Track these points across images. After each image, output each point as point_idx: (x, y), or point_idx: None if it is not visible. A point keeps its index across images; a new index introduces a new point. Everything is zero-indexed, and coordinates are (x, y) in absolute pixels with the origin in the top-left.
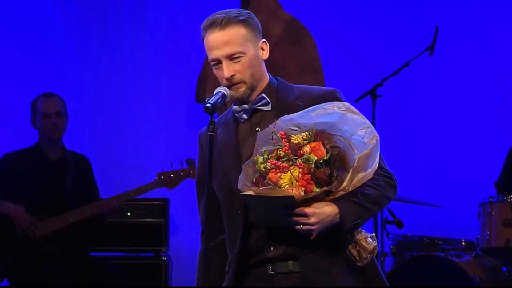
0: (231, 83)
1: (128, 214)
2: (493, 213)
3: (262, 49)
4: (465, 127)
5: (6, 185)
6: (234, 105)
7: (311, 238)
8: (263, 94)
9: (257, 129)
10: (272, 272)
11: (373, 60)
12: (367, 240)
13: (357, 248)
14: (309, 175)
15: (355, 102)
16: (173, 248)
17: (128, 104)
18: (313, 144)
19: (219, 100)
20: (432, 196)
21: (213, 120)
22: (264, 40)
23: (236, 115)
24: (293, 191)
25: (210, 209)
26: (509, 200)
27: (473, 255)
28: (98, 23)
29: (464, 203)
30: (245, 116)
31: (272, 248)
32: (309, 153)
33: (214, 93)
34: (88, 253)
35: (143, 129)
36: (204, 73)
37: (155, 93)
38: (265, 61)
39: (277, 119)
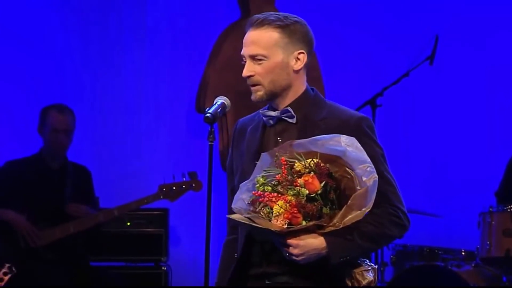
0: (250, 83)
1: (128, 224)
2: (493, 222)
3: (297, 59)
4: (465, 136)
5: (7, 193)
6: (262, 109)
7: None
8: (289, 107)
9: (278, 138)
10: (269, 282)
11: (373, 70)
12: (364, 274)
13: (352, 280)
14: (296, 209)
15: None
16: (173, 258)
17: (128, 110)
18: (306, 177)
19: (219, 110)
20: (432, 205)
21: (212, 130)
22: (302, 51)
23: (264, 118)
24: (278, 222)
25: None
26: (509, 210)
27: (473, 264)
28: (98, 28)
29: (464, 212)
30: (271, 122)
31: (268, 265)
32: (302, 186)
33: (214, 102)
34: (88, 262)
35: (143, 136)
36: (205, 81)
37: (155, 99)
38: None
39: (297, 133)
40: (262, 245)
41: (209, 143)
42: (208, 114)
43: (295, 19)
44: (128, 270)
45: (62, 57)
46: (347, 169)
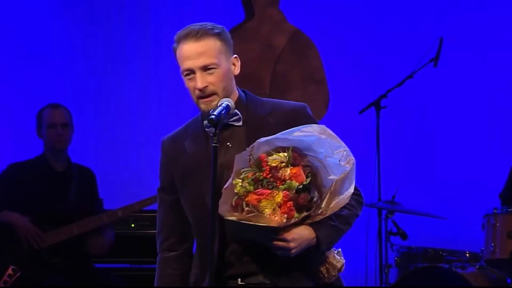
0: (203, 94)
1: (132, 225)
2: (497, 224)
3: (234, 64)
4: (469, 138)
5: (11, 195)
6: (204, 120)
7: (284, 259)
8: (236, 110)
9: (228, 144)
10: (242, 283)
11: (378, 71)
12: (335, 257)
13: (326, 265)
14: (291, 202)
15: (360, 113)
16: None
17: (132, 112)
18: (294, 170)
19: (223, 112)
20: (437, 207)
21: (217, 132)
22: (236, 56)
23: (207, 130)
24: (276, 218)
25: (214, 220)
26: None
27: (477, 266)
28: (101, 30)
29: (468, 214)
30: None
31: (243, 265)
32: (290, 179)
33: (219, 104)
34: (92, 264)
35: (147, 137)
36: None
37: (159, 101)
38: (270, 71)
39: (246, 134)
40: (235, 247)
41: (213, 145)
42: (212, 116)
43: (220, 26)
44: (132, 271)
45: (65, 60)
46: (313, 157)
